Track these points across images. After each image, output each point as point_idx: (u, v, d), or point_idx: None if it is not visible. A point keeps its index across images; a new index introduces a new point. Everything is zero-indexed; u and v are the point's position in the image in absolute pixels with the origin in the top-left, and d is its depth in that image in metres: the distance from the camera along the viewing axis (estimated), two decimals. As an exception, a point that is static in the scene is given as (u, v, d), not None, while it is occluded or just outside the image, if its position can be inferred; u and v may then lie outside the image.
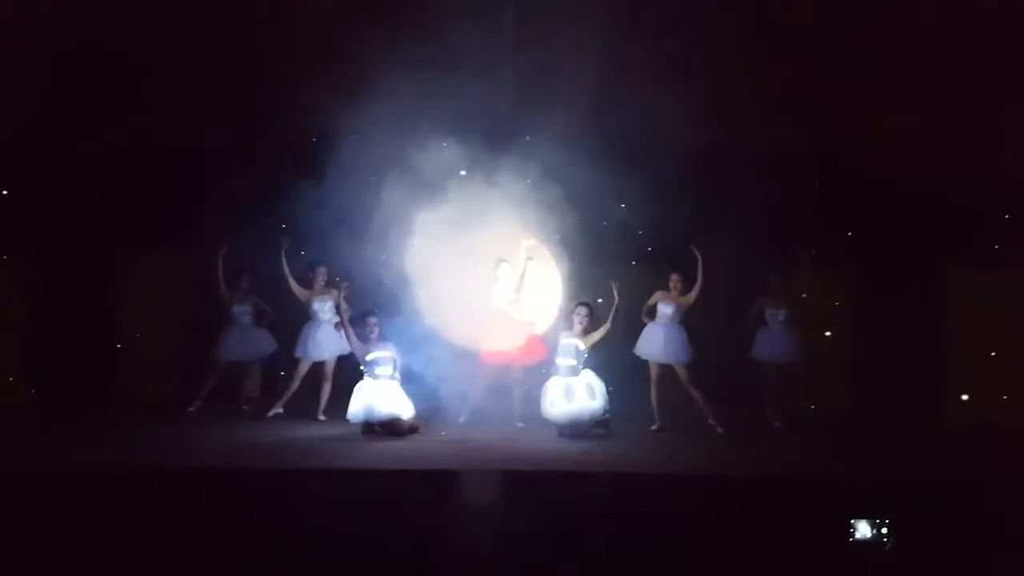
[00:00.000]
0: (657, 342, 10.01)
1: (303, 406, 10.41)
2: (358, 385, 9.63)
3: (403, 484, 7.61)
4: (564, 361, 9.71)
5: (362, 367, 9.70)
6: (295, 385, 10.45)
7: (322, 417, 10.25)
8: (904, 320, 10.93)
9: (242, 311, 10.65)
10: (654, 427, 9.91)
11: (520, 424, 9.98)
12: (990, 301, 10.73)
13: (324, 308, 10.39)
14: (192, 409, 10.47)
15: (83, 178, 10.76)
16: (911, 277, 11.03)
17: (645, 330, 10.13)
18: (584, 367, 9.72)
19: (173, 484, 7.44)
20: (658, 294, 10.14)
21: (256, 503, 7.15)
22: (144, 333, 11.56)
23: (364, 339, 9.69)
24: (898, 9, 10.33)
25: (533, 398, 9.88)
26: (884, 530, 6.58)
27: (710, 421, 9.82)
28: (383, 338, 9.73)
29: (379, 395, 9.50)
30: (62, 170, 10.66)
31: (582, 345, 9.70)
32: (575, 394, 9.56)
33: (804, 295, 10.34)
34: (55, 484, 7.25)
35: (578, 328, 9.73)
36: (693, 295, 10.01)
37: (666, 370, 9.99)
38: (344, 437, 9.37)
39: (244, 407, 10.70)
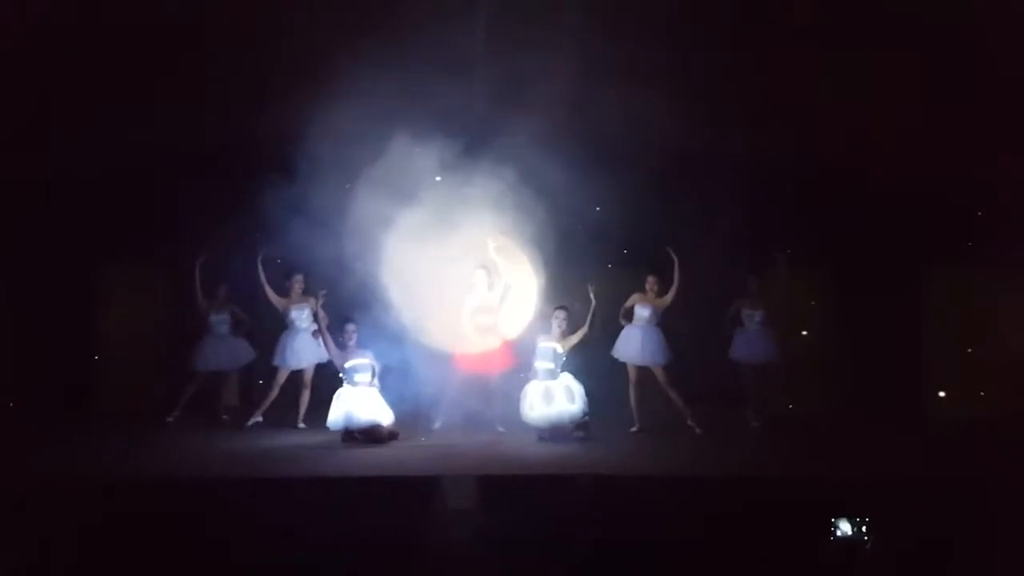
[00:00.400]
0: (635, 344, 10.04)
1: (282, 414, 10.37)
2: (337, 393, 9.61)
3: (384, 491, 7.58)
4: (542, 364, 9.71)
5: (341, 375, 9.66)
6: (274, 393, 10.41)
7: (302, 425, 10.22)
8: (880, 319, 10.99)
9: (219, 320, 10.61)
10: (634, 429, 9.94)
11: (500, 428, 9.98)
12: (965, 298, 10.83)
13: (301, 316, 10.36)
14: (171, 419, 10.44)
15: (60, 188, 10.67)
16: (886, 276, 11.09)
17: (623, 332, 10.16)
18: (563, 370, 9.73)
19: (152, 494, 7.40)
20: (635, 296, 10.17)
21: (235, 512, 7.11)
22: (122, 343, 11.49)
23: (342, 346, 9.67)
24: (878, 11, 10.40)
25: (514, 400, 9.85)
26: (865, 529, 6.61)
27: (689, 422, 9.87)
28: (361, 345, 9.70)
29: (358, 402, 9.47)
30: (39, 181, 10.55)
31: (560, 348, 9.71)
32: (554, 397, 9.57)
33: (781, 296, 10.36)
34: (34, 495, 7.22)
35: (556, 331, 9.75)
36: (670, 297, 10.04)
37: (644, 372, 10.02)
38: (324, 445, 9.34)
39: (223, 416, 10.65)
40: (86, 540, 6.76)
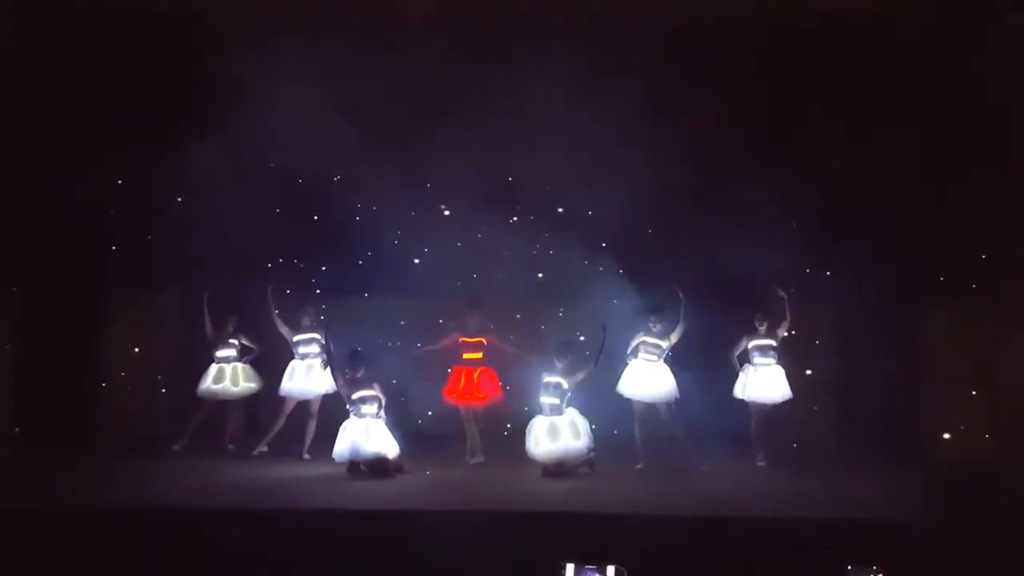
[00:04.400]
0: (641, 380, 10.04)
1: (288, 445, 10.37)
2: (344, 424, 9.60)
3: (387, 524, 7.59)
4: (547, 400, 9.62)
5: (348, 406, 9.68)
6: (280, 423, 10.43)
7: (307, 456, 10.22)
8: (884, 359, 10.91)
9: (227, 350, 10.71)
10: (639, 466, 9.91)
11: (477, 460, 10.05)
12: (968, 340, 10.81)
13: (310, 347, 10.39)
14: (177, 447, 10.50)
15: (68, 216, 10.74)
16: (890, 316, 11.03)
17: (628, 368, 10.16)
18: (568, 405, 9.68)
19: (153, 523, 7.41)
20: (641, 334, 10.17)
21: (238, 542, 7.08)
22: (128, 371, 11.53)
23: (350, 378, 9.69)
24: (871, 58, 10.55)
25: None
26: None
27: (694, 461, 9.83)
28: (369, 377, 9.72)
29: (364, 434, 9.47)
30: (46, 208, 10.62)
31: (565, 384, 9.63)
32: (560, 433, 9.50)
33: (785, 333, 10.35)
34: (38, 523, 7.23)
35: (559, 366, 9.70)
36: (676, 336, 10.05)
37: (650, 408, 10.01)
38: (329, 477, 9.34)
39: (229, 445, 10.67)
40: (84, 569, 6.78)
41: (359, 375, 9.67)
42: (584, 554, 5.84)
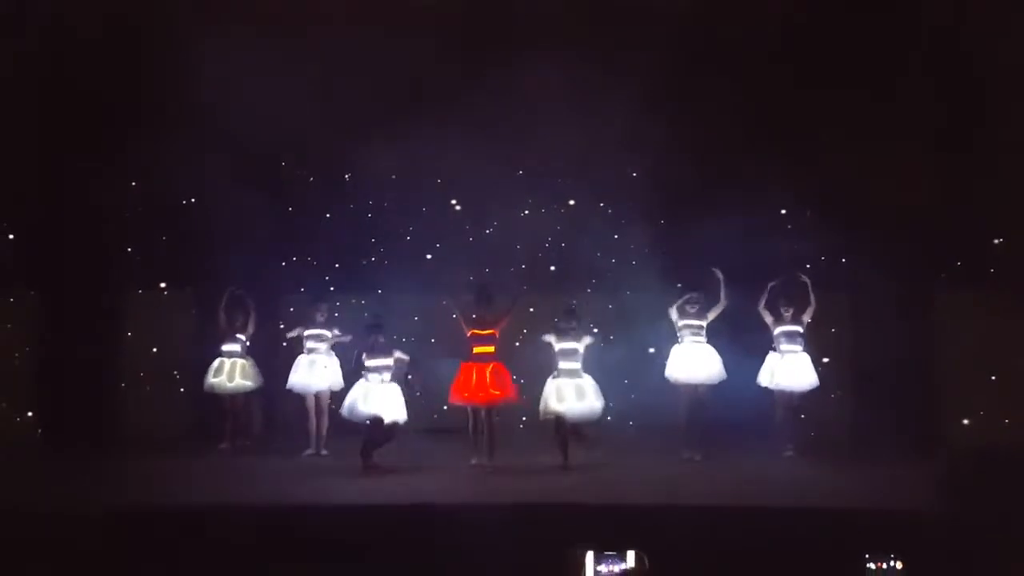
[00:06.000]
0: (690, 363, 10.04)
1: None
2: (355, 385, 9.70)
3: (408, 518, 7.57)
4: (568, 364, 9.71)
5: (363, 372, 9.68)
6: (313, 421, 10.41)
7: (324, 452, 10.25)
8: (901, 347, 10.84)
9: (232, 349, 10.66)
10: (697, 458, 9.88)
11: (482, 461, 9.78)
12: (984, 326, 10.77)
13: (319, 343, 10.40)
14: (224, 446, 10.56)
15: (85, 219, 10.83)
16: (907, 303, 10.97)
17: (675, 352, 10.15)
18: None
19: (174, 522, 7.43)
20: (680, 318, 10.17)
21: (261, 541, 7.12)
22: (147, 371, 11.62)
23: (368, 348, 9.70)
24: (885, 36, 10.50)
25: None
26: (896, 563, 6.54)
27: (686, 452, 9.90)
28: (386, 347, 9.74)
29: (367, 395, 9.54)
30: (67, 210, 10.71)
31: (581, 348, 9.77)
32: (586, 393, 9.66)
33: (810, 319, 10.21)
34: (59, 523, 7.27)
35: (570, 332, 9.78)
36: (713, 314, 10.11)
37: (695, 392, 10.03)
38: (348, 472, 9.36)
39: (221, 445, 10.61)
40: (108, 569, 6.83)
41: (378, 344, 9.70)
42: (604, 541, 5.87)
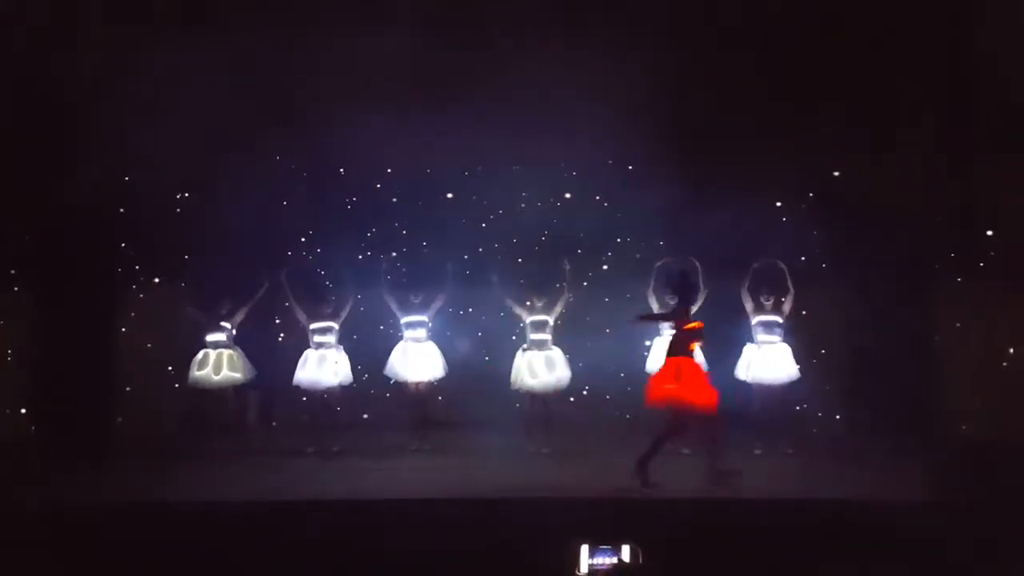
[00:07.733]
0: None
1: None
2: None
3: (410, 511, 7.68)
4: (538, 336, 10.01)
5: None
6: (337, 418, 10.38)
7: (335, 448, 10.15)
8: (895, 338, 10.80)
9: (217, 339, 10.29)
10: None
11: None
12: (979, 317, 10.76)
13: (326, 336, 10.20)
14: (218, 445, 10.36)
15: (75, 215, 10.78)
16: (901, 294, 10.92)
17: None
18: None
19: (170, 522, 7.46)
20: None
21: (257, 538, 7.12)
22: (142, 368, 11.54)
23: (404, 303, 10.31)
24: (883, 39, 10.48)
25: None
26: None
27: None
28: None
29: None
30: (63, 211, 10.66)
31: (551, 320, 10.02)
32: (555, 364, 9.99)
33: (789, 308, 10.09)
34: (55, 523, 7.27)
35: (539, 305, 10.08)
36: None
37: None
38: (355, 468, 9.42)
39: (234, 441, 10.45)
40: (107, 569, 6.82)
41: (417, 301, 10.29)
42: (598, 535, 5.85)
